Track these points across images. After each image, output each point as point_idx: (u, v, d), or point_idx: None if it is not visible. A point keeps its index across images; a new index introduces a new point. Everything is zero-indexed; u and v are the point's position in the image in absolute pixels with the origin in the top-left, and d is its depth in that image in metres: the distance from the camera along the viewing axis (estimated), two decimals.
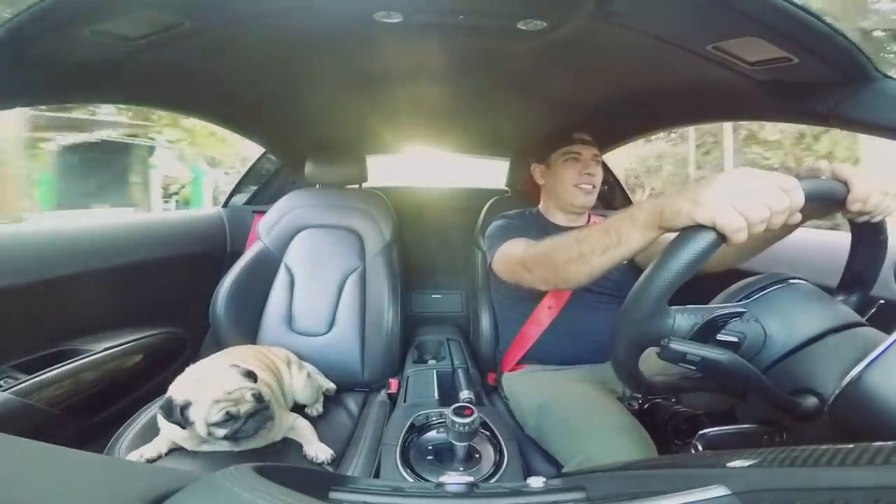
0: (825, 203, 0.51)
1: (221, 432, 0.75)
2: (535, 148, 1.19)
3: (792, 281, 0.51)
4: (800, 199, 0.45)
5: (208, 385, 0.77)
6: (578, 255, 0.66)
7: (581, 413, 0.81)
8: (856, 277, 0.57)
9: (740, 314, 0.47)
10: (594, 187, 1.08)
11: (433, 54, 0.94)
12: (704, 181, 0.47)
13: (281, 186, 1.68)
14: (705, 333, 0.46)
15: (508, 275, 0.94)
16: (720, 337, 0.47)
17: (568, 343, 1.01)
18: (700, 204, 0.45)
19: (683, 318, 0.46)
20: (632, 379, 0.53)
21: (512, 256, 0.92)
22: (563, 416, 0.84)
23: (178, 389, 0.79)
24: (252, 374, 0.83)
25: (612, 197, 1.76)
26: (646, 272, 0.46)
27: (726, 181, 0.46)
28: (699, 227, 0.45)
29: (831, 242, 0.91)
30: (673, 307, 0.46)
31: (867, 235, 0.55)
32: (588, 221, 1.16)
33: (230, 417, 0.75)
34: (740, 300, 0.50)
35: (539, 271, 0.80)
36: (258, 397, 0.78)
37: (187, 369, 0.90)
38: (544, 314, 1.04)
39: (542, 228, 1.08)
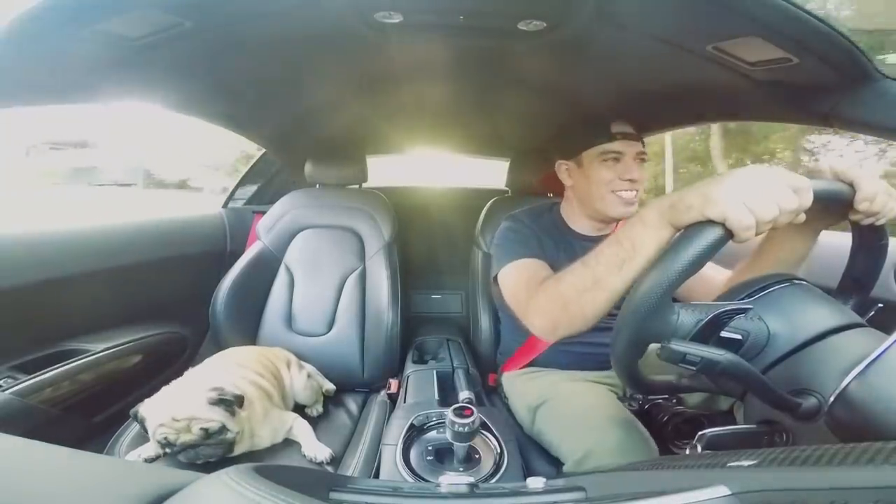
0: (833, 204, 0.51)
1: (168, 450, 0.77)
2: (563, 141, 1.01)
3: (795, 281, 0.52)
4: (809, 199, 0.45)
5: (164, 405, 0.78)
6: (593, 282, 0.58)
7: (581, 410, 0.81)
8: (855, 282, 0.57)
9: (745, 311, 0.47)
10: (636, 194, 0.91)
11: (433, 54, 0.94)
12: (716, 178, 0.47)
13: (281, 186, 1.68)
14: (709, 330, 0.46)
15: (512, 305, 0.84)
16: (724, 334, 0.47)
17: (577, 351, 0.99)
18: (711, 199, 0.45)
19: (687, 314, 0.46)
20: (632, 377, 0.53)
21: (518, 290, 0.82)
22: (563, 412, 0.84)
23: (148, 402, 0.80)
24: (232, 401, 0.79)
25: None
26: (651, 266, 0.46)
27: (738, 178, 0.46)
28: (708, 223, 0.45)
29: (831, 244, 0.91)
30: (677, 303, 0.46)
31: (868, 240, 0.55)
32: (616, 228, 1.01)
33: (168, 443, 0.76)
34: (743, 298, 0.50)
35: (541, 319, 0.70)
36: (208, 433, 0.76)
37: (187, 372, 0.90)
38: None
39: (561, 237, 0.98)
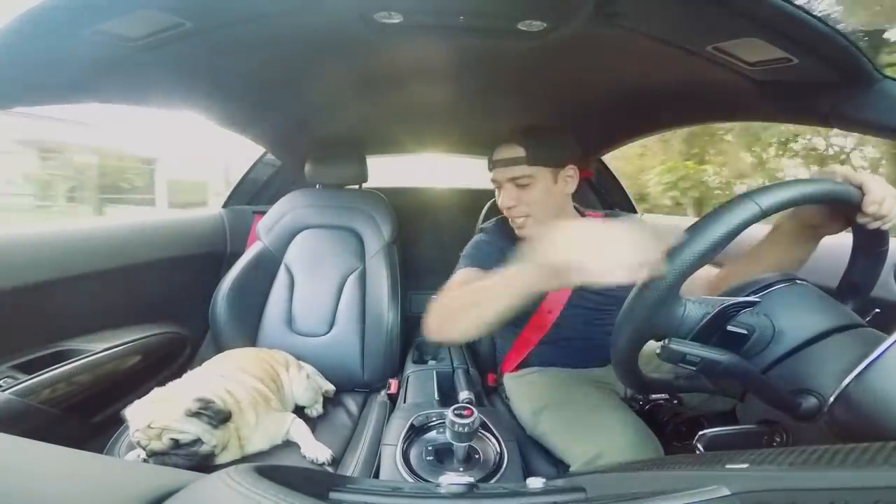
0: (841, 206, 0.51)
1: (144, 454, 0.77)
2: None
3: (798, 281, 0.52)
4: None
5: (147, 410, 0.77)
6: (472, 302, 0.63)
7: (588, 412, 0.81)
8: (853, 285, 0.57)
9: (753, 304, 0.47)
10: (526, 217, 0.92)
11: (433, 55, 0.94)
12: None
13: (281, 187, 1.68)
14: (715, 324, 0.46)
15: None
16: (730, 328, 0.47)
17: (569, 348, 0.99)
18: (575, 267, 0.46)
19: (695, 308, 0.45)
20: (630, 374, 0.53)
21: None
22: (570, 416, 0.84)
23: (136, 404, 0.79)
24: (213, 416, 0.77)
25: (611, 197, 1.77)
26: (665, 257, 0.45)
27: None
28: (738, 199, 0.44)
29: (831, 245, 0.90)
30: (685, 297, 0.46)
31: (870, 244, 0.55)
32: None
33: (140, 447, 0.75)
34: (748, 294, 0.50)
35: (431, 318, 0.71)
36: (179, 444, 0.74)
37: (186, 374, 0.90)
38: (545, 319, 1.00)
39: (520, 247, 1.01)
